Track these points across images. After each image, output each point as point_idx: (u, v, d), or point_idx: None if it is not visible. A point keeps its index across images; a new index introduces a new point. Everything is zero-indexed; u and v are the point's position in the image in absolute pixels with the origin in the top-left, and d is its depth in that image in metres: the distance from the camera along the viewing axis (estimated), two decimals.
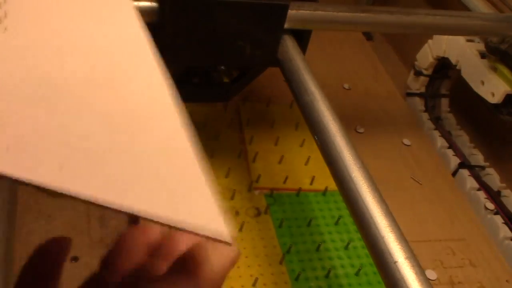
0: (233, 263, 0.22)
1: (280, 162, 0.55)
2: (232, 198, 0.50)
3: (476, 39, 0.60)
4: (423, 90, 0.68)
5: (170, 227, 0.21)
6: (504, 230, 0.53)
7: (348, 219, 0.50)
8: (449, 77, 0.67)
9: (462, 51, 0.60)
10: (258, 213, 0.49)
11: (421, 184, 0.57)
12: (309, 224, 0.49)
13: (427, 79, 0.67)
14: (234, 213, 0.49)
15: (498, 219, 0.54)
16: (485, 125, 0.65)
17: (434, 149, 0.62)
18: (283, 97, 0.61)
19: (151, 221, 0.20)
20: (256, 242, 0.47)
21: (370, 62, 0.74)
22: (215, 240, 0.21)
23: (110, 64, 0.25)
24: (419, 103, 0.68)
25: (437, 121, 0.66)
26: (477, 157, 0.61)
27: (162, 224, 0.21)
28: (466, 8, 0.62)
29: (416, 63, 0.68)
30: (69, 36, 0.26)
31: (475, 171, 0.59)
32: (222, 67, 0.52)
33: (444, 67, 0.66)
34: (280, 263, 0.46)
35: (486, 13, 0.59)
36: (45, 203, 0.48)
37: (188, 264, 0.21)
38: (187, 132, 0.24)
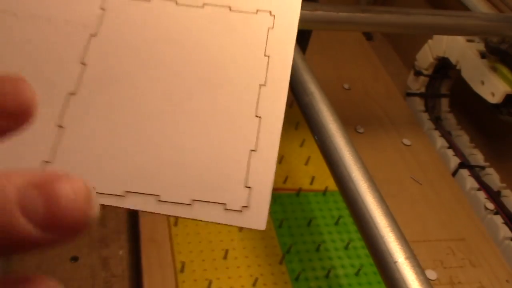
0: None
1: (280, 162, 0.55)
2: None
3: (476, 39, 0.60)
4: (423, 90, 0.68)
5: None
6: (504, 230, 0.53)
7: (348, 219, 0.50)
8: (449, 77, 0.67)
9: (462, 51, 0.60)
10: None
11: (421, 184, 0.57)
12: (309, 224, 0.49)
13: (427, 79, 0.67)
14: None
15: (498, 219, 0.54)
16: (485, 125, 0.65)
17: (434, 149, 0.62)
18: None
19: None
20: (256, 242, 0.47)
21: (370, 62, 0.74)
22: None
23: None
24: (419, 103, 0.68)
25: (437, 121, 0.66)
26: (477, 157, 0.61)
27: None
28: (466, 8, 0.62)
29: (416, 63, 0.68)
30: None
31: (475, 171, 0.59)
32: None
33: (444, 67, 0.66)
34: (280, 263, 0.46)
35: (486, 13, 0.59)
36: None
37: None
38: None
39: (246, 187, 0.23)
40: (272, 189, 0.23)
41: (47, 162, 0.22)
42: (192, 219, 0.21)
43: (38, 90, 0.17)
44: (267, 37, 0.27)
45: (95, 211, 0.14)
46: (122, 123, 0.23)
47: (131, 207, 0.21)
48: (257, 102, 0.25)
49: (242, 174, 0.23)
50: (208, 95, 0.24)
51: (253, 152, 0.24)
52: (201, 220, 0.22)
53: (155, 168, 0.22)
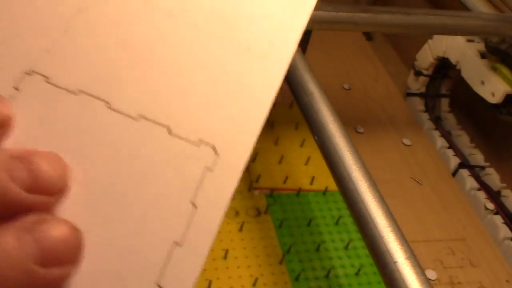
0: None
1: (280, 162, 0.55)
2: (232, 198, 0.50)
3: (476, 39, 0.60)
4: (423, 90, 0.68)
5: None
6: (504, 230, 0.53)
7: (348, 219, 0.50)
8: (449, 77, 0.67)
9: (462, 51, 0.60)
10: (258, 213, 0.49)
11: (421, 184, 0.57)
12: (309, 224, 0.49)
13: (427, 79, 0.67)
14: (234, 213, 0.49)
15: (498, 219, 0.54)
16: (485, 125, 0.65)
17: (434, 149, 0.62)
18: (283, 97, 0.61)
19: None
20: (256, 242, 0.47)
21: (370, 62, 0.74)
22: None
23: None
24: (419, 103, 0.68)
25: (437, 121, 0.66)
26: (477, 157, 0.61)
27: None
28: (466, 8, 0.62)
29: (416, 63, 0.68)
30: None
31: (475, 171, 0.59)
32: None
33: (444, 67, 0.66)
34: (280, 263, 0.46)
35: (486, 13, 0.59)
36: None
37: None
38: None
39: None
40: None
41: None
42: None
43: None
44: (202, 182, 0.21)
45: (69, 176, 0.19)
46: None
47: None
48: (164, 267, 0.19)
49: None
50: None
51: None
52: None
53: None
